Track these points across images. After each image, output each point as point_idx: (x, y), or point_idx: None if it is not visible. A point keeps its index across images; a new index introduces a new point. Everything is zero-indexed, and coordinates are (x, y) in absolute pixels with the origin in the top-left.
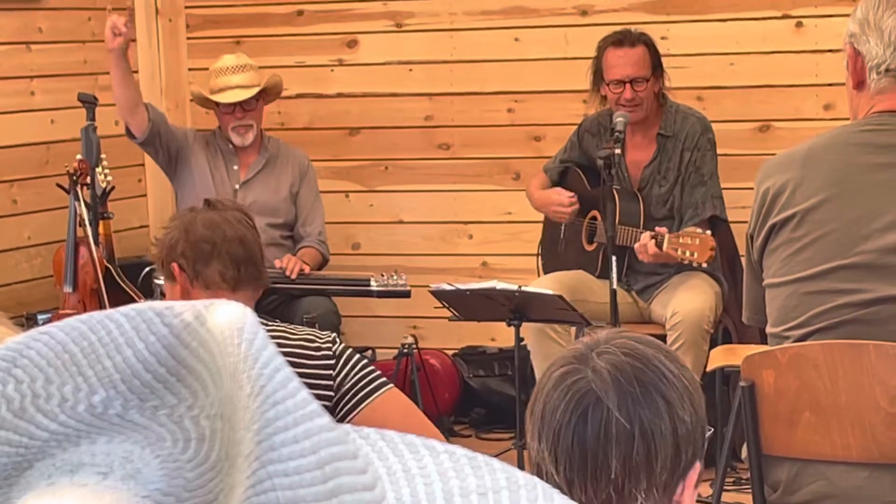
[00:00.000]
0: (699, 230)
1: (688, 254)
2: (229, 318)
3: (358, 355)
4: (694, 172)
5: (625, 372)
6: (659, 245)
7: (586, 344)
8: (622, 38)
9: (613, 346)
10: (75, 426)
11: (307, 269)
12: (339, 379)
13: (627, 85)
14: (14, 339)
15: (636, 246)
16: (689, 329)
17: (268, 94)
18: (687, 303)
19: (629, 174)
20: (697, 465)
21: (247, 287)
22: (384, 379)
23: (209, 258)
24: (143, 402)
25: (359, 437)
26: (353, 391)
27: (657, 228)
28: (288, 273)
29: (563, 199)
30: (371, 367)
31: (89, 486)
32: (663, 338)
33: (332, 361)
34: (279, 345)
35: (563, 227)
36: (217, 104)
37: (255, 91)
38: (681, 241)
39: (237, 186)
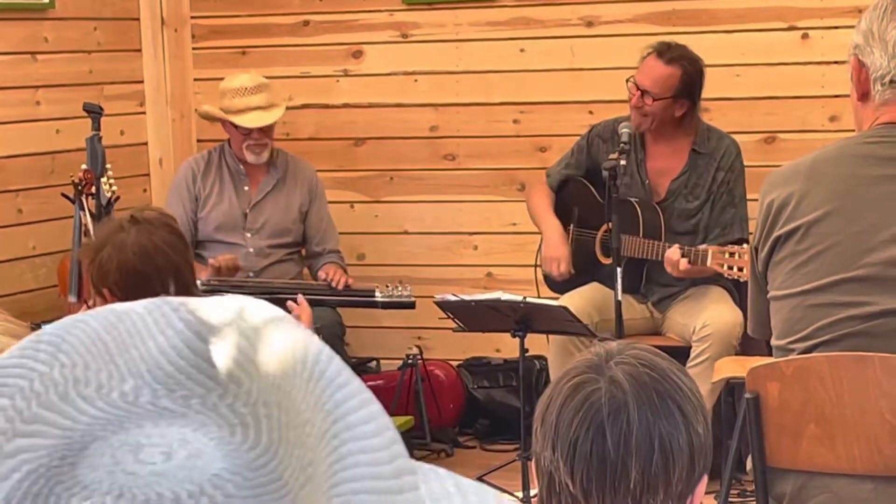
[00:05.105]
0: (739, 247)
1: (735, 269)
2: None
3: None
4: (726, 193)
5: (643, 383)
6: (698, 260)
7: (599, 354)
8: (663, 51)
9: (629, 356)
10: (113, 412)
11: (352, 282)
12: None
13: (639, 91)
14: (53, 325)
15: (667, 257)
16: (719, 342)
17: None
18: (719, 315)
19: (649, 181)
20: (705, 478)
21: None
22: None
23: (141, 294)
24: (171, 391)
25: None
26: None
27: (698, 247)
28: (334, 284)
29: (559, 267)
30: None
31: (157, 464)
32: (678, 349)
33: None
34: None
35: (571, 238)
36: (235, 125)
37: (278, 115)
38: (726, 256)
39: (247, 210)
